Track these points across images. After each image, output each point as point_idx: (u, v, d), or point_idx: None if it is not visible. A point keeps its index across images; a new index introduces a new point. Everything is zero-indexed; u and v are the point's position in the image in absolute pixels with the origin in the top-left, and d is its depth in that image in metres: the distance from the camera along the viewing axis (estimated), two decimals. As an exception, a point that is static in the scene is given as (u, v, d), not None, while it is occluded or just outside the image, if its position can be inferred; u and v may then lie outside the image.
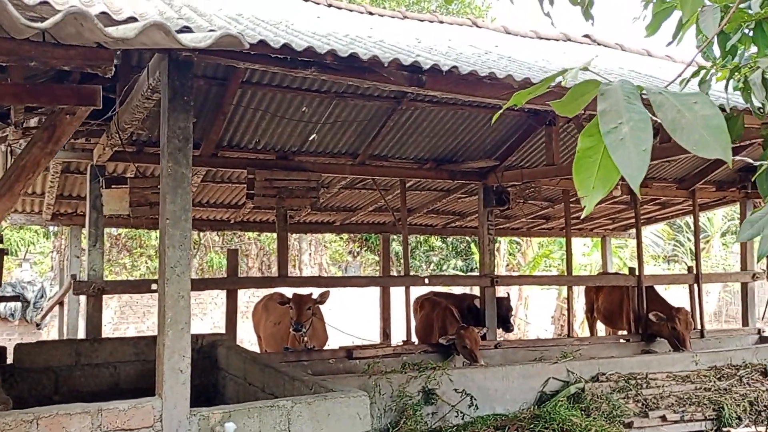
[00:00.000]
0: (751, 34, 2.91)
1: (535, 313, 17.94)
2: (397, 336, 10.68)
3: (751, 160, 1.91)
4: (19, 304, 14.77)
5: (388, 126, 7.68)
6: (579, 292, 13.80)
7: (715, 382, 7.77)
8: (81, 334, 9.66)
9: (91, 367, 6.04)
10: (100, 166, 7.02)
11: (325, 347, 8.50)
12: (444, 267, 21.95)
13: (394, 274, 16.50)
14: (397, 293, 10.83)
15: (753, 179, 2.99)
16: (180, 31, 3.08)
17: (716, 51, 3.19)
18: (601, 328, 11.86)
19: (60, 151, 5.98)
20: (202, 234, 17.37)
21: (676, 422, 7.15)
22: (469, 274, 19.65)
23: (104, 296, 7.35)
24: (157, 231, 16.68)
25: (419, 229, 12.87)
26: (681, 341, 8.66)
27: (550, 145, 7.96)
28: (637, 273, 9.87)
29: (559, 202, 10.82)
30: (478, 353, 7.65)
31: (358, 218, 11.46)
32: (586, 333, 12.54)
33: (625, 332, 10.15)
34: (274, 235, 16.97)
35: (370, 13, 8.59)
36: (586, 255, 18.48)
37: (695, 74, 3.17)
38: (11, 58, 2.64)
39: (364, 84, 4.56)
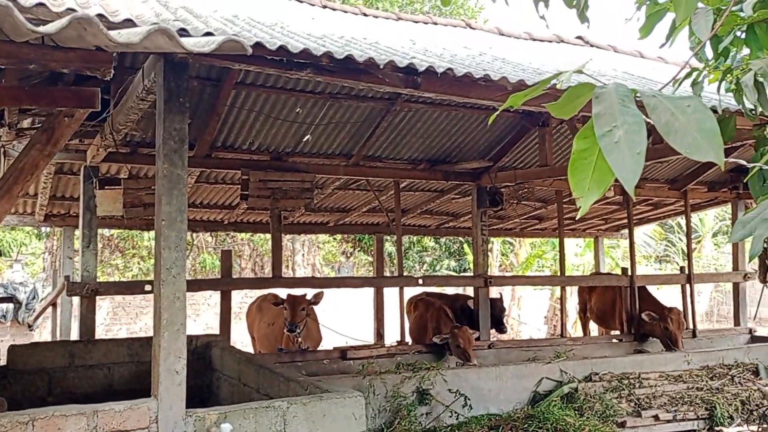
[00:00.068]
0: (743, 36, 2.94)
1: (528, 314, 17.99)
2: (391, 336, 10.69)
3: (744, 162, 1.94)
4: (11, 306, 14.68)
5: (382, 127, 7.69)
6: (572, 292, 13.85)
7: (707, 381, 7.82)
8: (74, 336, 9.63)
9: (84, 369, 6.03)
10: (94, 167, 7.01)
11: (319, 348, 8.51)
12: (437, 267, 21.99)
13: (388, 274, 16.53)
14: (390, 294, 10.84)
15: (745, 180, 3.02)
16: (178, 34, 3.08)
17: (709, 53, 3.22)
18: (593, 328, 11.91)
19: (53, 152, 5.97)
20: (195, 235, 17.34)
21: (668, 421, 7.19)
22: (462, 274, 19.69)
23: (96, 297, 7.33)
24: (150, 232, 16.58)
25: (413, 230, 12.89)
26: (673, 341, 8.71)
27: (544, 146, 7.99)
28: (629, 273, 9.92)
29: (552, 203, 10.86)
30: (471, 352, 7.67)
31: (352, 219, 11.48)
32: (579, 333, 12.58)
33: (617, 332, 10.19)
34: (267, 235, 17.07)
35: (365, 15, 8.61)
36: (578, 255, 18.54)
37: (688, 76, 3.20)
38: (10, 61, 2.64)
39: (359, 85, 4.58)
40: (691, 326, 9.86)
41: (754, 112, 3.08)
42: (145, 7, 4.30)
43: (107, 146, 6.12)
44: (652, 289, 10.52)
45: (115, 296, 15.97)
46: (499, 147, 8.71)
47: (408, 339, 9.83)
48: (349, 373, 7.21)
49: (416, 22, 9.13)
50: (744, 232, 2.12)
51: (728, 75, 3.11)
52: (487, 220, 9.41)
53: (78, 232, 9.07)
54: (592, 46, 10.27)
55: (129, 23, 3.19)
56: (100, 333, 13.86)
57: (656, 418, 7.15)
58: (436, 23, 9.21)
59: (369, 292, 11.38)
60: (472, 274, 11.13)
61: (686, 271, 10.43)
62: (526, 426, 6.47)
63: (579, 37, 10.31)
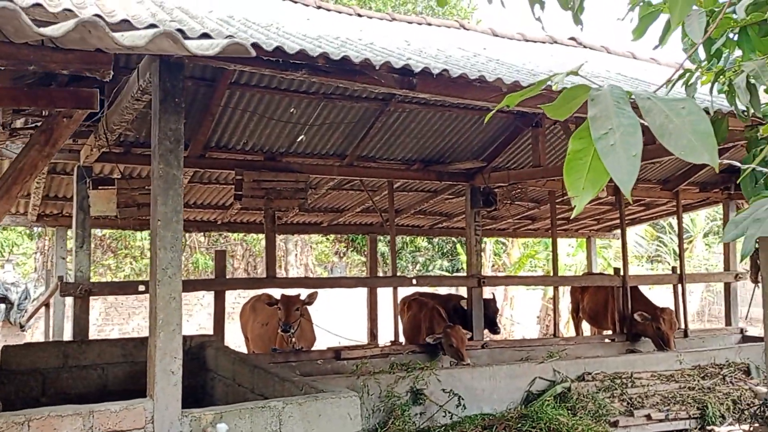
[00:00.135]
0: (735, 38, 2.97)
1: (521, 313, 18.03)
2: (384, 336, 10.71)
3: (737, 163, 1.96)
4: (2, 306, 14.61)
5: (376, 127, 7.71)
6: (564, 292, 13.91)
7: (699, 381, 7.87)
8: (67, 336, 9.61)
9: (78, 369, 6.03)
10: (87, 167, 6.99)
11: (313, 348, 8.51)
12: (430, 267, 22.02)
13: (381, 274, 16.54)
14: (383, 294, 10.86)
15: (738, 181, 3.05)
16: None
17: (701, 54, 3.25)
18: (586, 328, 11.96)
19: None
20: (188, 235, 17.31)
21: (660, 421, 7.24)
22: (455, 274, 19.72)
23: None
24: (143, 232, 16.47)
25: (406, 230, 12.91)
26: (665, 341, 8.76)
27: (537, 147, 8.04)
28: (622, 273, 9.97)
29: (545, 203, 10.90)
30: (464, 352, 7.69)
31: (346, 219, 11.49)
32: (572, 333, 12.63)
33: (610, 332, 10.24)
34: (260, 236, 17.07)
35: (359, 15, 8.62)
36: (571, 255, 18.61)
37: (681, 77, 3.23)
38: (10, 62, 2.64)
39: (354, 86, 4.59)
40: (682, 326, 9.92)
41: (746, 113, 3.11)
42: (140, 8, 4.30)
43: (101, 146, 6.10)
44: (644, 289, 10.58)
45: (107, 297, 15.92)
46: (492, 147, 8.75)
47: (401, 339, 9.85)
48: (343, 373, 7.22)
49: (410, 22, 9.15)
50: (736, 232, 2.15)
51: (721, 76, 3.14)
52: (481, 221, 9.44)
53: (71, 233, 9.05)
54: (585, 47, 10.32)
55: (126, 24, 3.19)
56: (92, 333, 13.79)
57: (648, 417, 7.20)
58: (430, 24, 9.23)
59: (362, 292, 11.39)
60: (465, 274, 11.17)
61: (678, 272, 10.49)
62: (519, 425, 6.50)
63: (572, 38, 10.36)
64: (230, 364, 5.71)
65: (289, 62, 3.88)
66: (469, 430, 6.49)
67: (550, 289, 14.09)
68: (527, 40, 9.83)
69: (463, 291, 11.47)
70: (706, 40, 2.97)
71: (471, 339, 8.46)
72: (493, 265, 19.80)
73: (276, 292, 8.28)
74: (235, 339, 11.37)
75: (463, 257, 18.25)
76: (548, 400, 6.98)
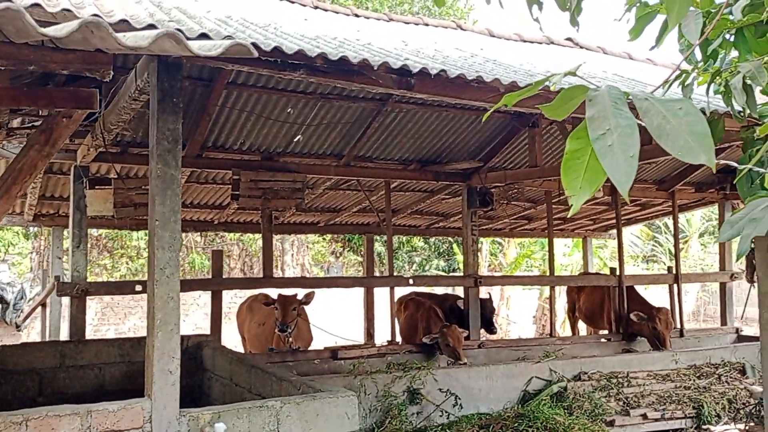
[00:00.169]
0: (732, 39, 2.99)
1: (517, 313, 18.07)
2: (381, 336, 10.71)
3: (734, 164, 1.98)
4: (-2, 306, 14.56)
5: (373, 127, 7.72)
6: (560, 292, 13.93)
7: (694, 380, 7.90)
8: (63, 336, 9.59)
9: (75, 369, 6.02)
10: (84, 167, 6.99)
11: (310, 348, 8.52)
12: (426, 267, 22.04)
13: (378, 274, 16.55)
14: (380, 293, 10.87)
15: (735, 181, 3.07)
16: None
17: (698, 55, 3.26)
18: (582, 328, 11.99)
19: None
20: (184, 235, 17.29)
21: (656, 420, 7.26)
22: (451, 274, 19.75)
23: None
24: (140, 232, 16.43)
25: (403, 230, 12.93)
26: (661, 340, 8.78)
27: (533, 147, 8.05)
28: (618, 273, 9.99)
29: (542, 203, 10.93)
30: (461, 351, 7.70)
31: (343, 219, 11.49)
32: (568, 332, 12.67)
33: (606, 332, 10.27)
34: (256, 235, 17.07)
35: (356, 15, 8.64)
36: (567, 255, 18.65)
37: (678, 78, 3.24)
38: (10, 62, 2.64)
39: (352, 86, 4.60)
40: (678, 326, 9.96)
41: (742, 114, 3.13)
42: (138, 8, 4.30)
43: (98, 146, 6.10)
44: (640, 289, 10.61)
45: (103, 297, 15.91)
46: (489, 148, 8.76)
47: (398, 339, 9.86)
48: (340, 372, 7.23)
49: (407, 23, 9.17)
50: (732, 231, 2.16)
51: (717, 77, 3.15)
52: (477, 221, 9.46)
53: (67, 232, 9.04)
54: (581, 47, 10.35)
55: (124, 24, 3.20)
56: (88, 333, 13.76)
57: (644, 416, 7.22)
58: (427, 24, 9.25)
59: (359, 292, 11.39)
60: (461, 274, 11.19)
61: (674, 271, 10.52)
62: (516, 425, 6.52)
63: (569, 39, 10.39)
64: (227, 363, 5.71)
65: (288, 62, 3.89)
66: (466, 430, 6.51)
67: (546, 289, 14.11)
68: (524, 41, 9.85)
69: (459, 291, 11.50)
70: (703, 41, 2.98)
71: (468, 338, 8.48)
72: (489, 265, 19.83)
73: (273, 292, 8.29)
74: (231, 339, 11.36)
75: (460, 257, 18.26)
76: (545, 400, 7.00)
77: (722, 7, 2.50)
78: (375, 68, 4.07)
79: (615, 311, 9.81)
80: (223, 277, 8.63)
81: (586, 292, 10.88)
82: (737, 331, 10.53)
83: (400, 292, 10.65)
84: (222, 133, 7.41)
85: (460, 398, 6.82)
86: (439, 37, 8.17)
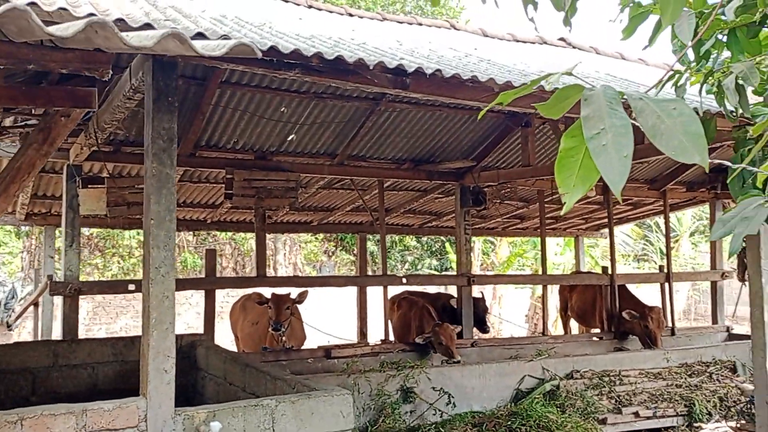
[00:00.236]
0: (724, 39, 3.01)
1: (510, 312, 18.12)
2: (374, 335, 10.73)
3: (728, 163, 2.00)
4: (-11, 305, 14.48)
5: (366, 126, 7.73)
6: (552, 291, 13.98)
7: (686, 378, 7.96)
8: (56, 335, 9.55)
9: (69, 368, 6.00)
10: (77, 166, 6.97)
11: (304, 347, 8.53)
12: (419, 266, 22.07)
13: (370, 273, 16.55)
14: (373, 292, 10.88)
15: (728, 180, 3.09)
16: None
17: (690, 55, 3.29)
18: (574, 327, 12.04)
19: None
20: (176, 234, 17.24)
21: (648, 418, 7.31)
22: (444, 273, 19.78)
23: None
24: (131, 231, 16.34)
25: (396, 229, 12.94)
26: (653, 339, 8.84)
27: (526, 147, 8.09)
28: (609, 272, 10.05)
29: (534, 203, 10.97)
30: (454, 349, 7.73)
31: (336, 218, 11.50)
32: (560, 331, 12.72)
33: (598, 330, 10.32)
34: (249, 234, 17.04)
35: (350, 15, 8.63)
36: (559, 254, 18.71)
37: (671, 78, 3.27)
38: (9, 61, 2.64)
39: (347, 86, 4.61)
40: (670, 324, 10.01)
41: (734, 113, 3.16)
42: (134, 7, 4.29)
43: (91, 145, 6.09)
44: (632, 288, 10.67)
45: (95, 296, 15.84)
46: (482, 147, 8.79)
47: (391, 337, 9.88)
48: (333, 371, 7.24)
49: (401, 22, 9.18)
50: (724, 230, 2.19)
51: (710, 77, 3.18)
52: (470, 220, 9.49)
53: (59, 231, 9.01)
54: (574, 47, 10.39)
55: (121, 23, 3.20)
56: (80, 332, 13.74)
57: (636, 414, 7.26)
58: (420, 24, 9.26)
59: (352, 291, 11.40)
60: (454, 272, 11.21)
61: (665, 270, 10.58)
62: (509, 423, 6.55)
63: (561, 39, 10.42)
64: (221, 362, 5.71)
65: (283, 62, 3.90)
66: (459, 428, 6.53)
67: (539, 288, 14.17)
68: (517, 41, 9.88)
69: (451, 290, 11.52)
70: (696, 42, 3.00)
71: (461, 337, 8.50)
72: (481, 264, 19.88)
73: (266, 291, 8.29)
74: (224, 338, 11.35)
75: (452, 256, 18.31)
76: (537, 398, 7.04)
77: (716, 8, 2.53)
78: (370, 68, 4.09)
79: (607, 310, 9.86)
80: (216, 276, 8.62)
81: (578, 291, 10.93)
82: (728, 329, 10.60)
83: (393, 291, 10.67)
84: (215, 132, 7.41)
85: (453, 397, 6.85)
86: (432, 37, 8.18)
